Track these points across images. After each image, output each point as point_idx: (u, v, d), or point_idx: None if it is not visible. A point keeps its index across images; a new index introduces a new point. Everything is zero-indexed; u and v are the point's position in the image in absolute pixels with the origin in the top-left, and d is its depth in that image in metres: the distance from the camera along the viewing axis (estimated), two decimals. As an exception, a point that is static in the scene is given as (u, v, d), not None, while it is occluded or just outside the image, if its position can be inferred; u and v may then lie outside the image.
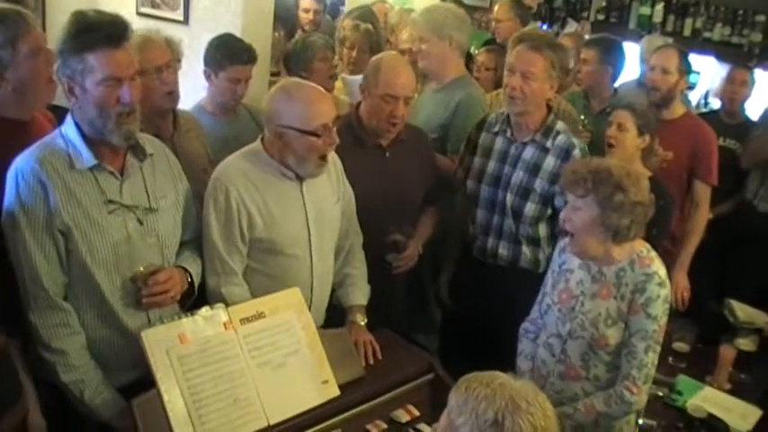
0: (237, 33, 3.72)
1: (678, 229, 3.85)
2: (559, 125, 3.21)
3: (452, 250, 3.60)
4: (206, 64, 3.46)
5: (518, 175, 3.19)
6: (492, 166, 3.27)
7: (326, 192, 2.78)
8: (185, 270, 2.52)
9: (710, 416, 2.95)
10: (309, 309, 2.60)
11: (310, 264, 2.73)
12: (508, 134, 3.24)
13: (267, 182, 2.63)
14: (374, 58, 3.29)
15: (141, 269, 2.36)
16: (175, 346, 2.23)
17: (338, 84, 4.26)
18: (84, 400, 2.31)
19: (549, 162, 3.14)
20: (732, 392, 3.21)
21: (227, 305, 2.41)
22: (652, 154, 3.49)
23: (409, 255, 3.25)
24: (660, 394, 3.07)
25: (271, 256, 2.67)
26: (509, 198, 3.20)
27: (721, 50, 6.02)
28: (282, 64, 4.19)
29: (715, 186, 3.93)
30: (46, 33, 2.63)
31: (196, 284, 2.57)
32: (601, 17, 6.73)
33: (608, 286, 2.55)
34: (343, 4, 6.42)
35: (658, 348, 2.54)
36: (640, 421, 2.78)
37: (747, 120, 4.71)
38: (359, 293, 2.90)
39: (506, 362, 2.76)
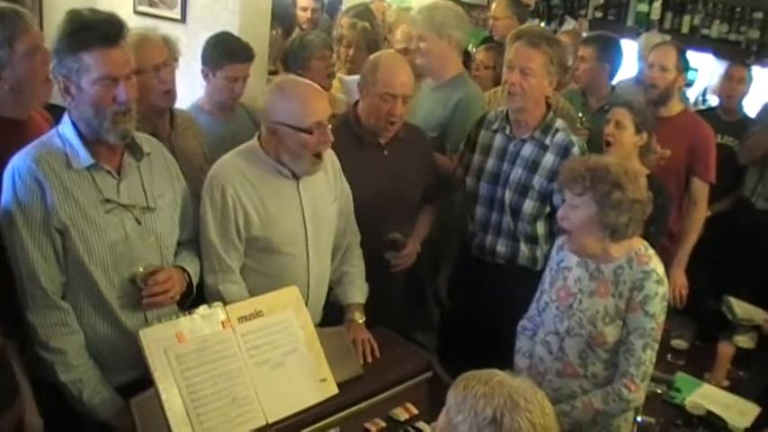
0: (235, 32, 3.72)
1: (676, 226, 3.85)
2: (558, 123, 3.21)
3: (451, 249, 3.60)
4: (203, 63, 3.45)
5: (517, 173, 3.19)
6: (491, 163, 3.27)
7: (323, 190, 2.78)
8: (183, 270, 2.52)
9: (709, 413, 2.96)
10: (306, 307, 2.60)
11: (307, 262, 2.73)
12: (507, 131, 3.24)
13: (264, 180, 2.63)
14: (372, 56, 3.28)
15: (140, 269, 2.35)
16: (173, 345, 2.23)
17: (335, 82, 4.25)
18: (82, 399, 2.31)
19: (548, 159, 3.14)
20: (730, 389, 3.22)
21: (224, 303, 2.41)
22: (650, 152, 3.49)
23: (408, 253, 3.25)
24: (659, 391, 3.08)
25: (267, 254, 2.67)
26: (507, 195, 3.20)
27: (719, 47, 6.03)
28: (281, 62, 4.19)
29: (713, 184, 3.93)
30: (43, 32, 2.63)
31: (194, 284, 2.56)
32: (598, 14, 6.74)
33: (606, 284, 2.55)
34: (341, 2, 6.41)
35: (656, 346, 2.54)
36: (639, 418, 2.78)
37: (745, 117, 4.71)
38: (357, 292, 2.90)
39: (505, 360, 2.76)
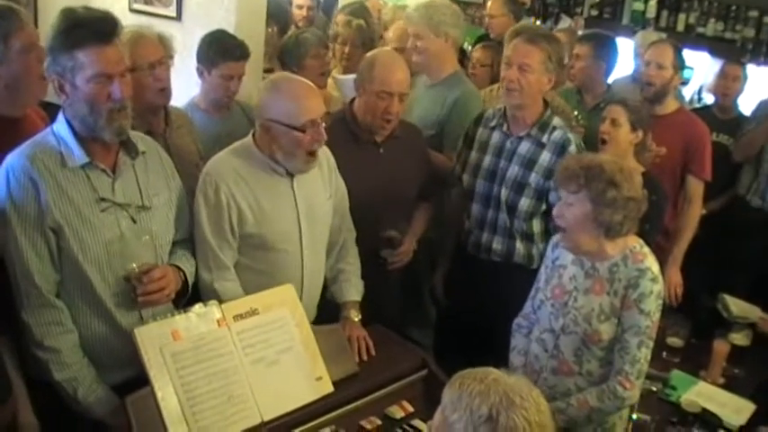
0: (230, 30, 3.71)
1: (671, 224, 3.86)
2: (556, 121, 3.21)
3: (447, 246, 3.60)
4: (199, 60, 3.45)
5: (513, 170, 3.19)
6: (488, 160, 3.28)
7: (318, 187, 2.78)
8: (179, 269, 2.51)
9: (704, 410, 2.96)
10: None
11: (301, 259, 2.73)
12: (504, 128, 3.25)
13: (258, 177, 2.63)
14: (369, 54, 3.28)
15: (135, 267, 2.35)
16: (169, 344, 2.22)
17: (330, 81, 4.25)
18: (77, 398, 2.31)
19: (545, 157, 3.14)
20: (726, 387, 3.22)
21: (220, 301, 2.41)
22: (645, 149, 3.50)
23: (404, 250, 3.26)
24: (654, 389, 3.08)
25: (261, 251, 2.67)
26: (504, 192, 3.20)
27: (714, 46, 6.04)
28: (277, 59, 4.18)
29: (708, 182, 3.94)
30: (38, 30, 2.62)
31: (190, 283, 2.56)
32: (594, 13, 6.75)
33: (601, 282, 2.56)
34: (336, 1, 6.41)
35: (651, 344, 2.54)
36: (634, 416, 2.78)
37: (740, 115, 4.72)
38: (353, 290, 2.90)
39: (500, 357, 2.77)
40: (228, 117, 3.53)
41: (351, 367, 2.58)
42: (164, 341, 2.22)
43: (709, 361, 3.30)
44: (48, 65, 2.24)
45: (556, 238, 2.73)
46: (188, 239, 2.62)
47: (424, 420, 2.46)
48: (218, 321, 2.34)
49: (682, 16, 6.30)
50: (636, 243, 2.57)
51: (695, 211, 3.94)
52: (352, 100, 3.25)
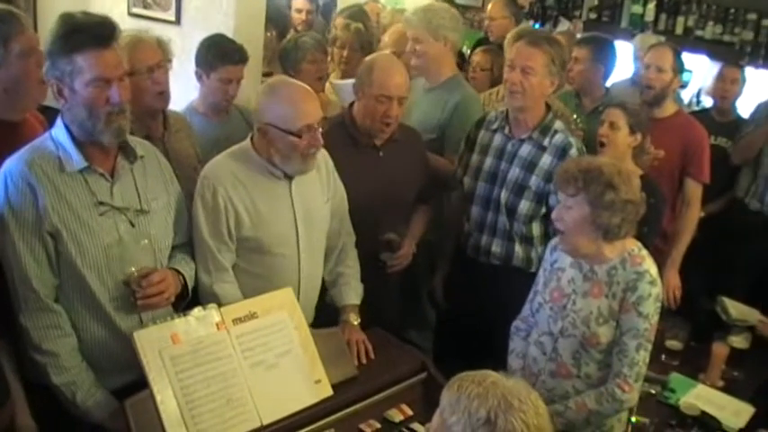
0: (229, 34, 3.73)
1: (670, 227, 3.86)
2: (558, 124, 3.21)
3: (447, 249, 3.60)
4: (197, 64, 3.46)
5: (514, 172, 3.20)
6: (489, 162, 3.28)
7: (316, 191, 2.78)
8: (178, 272, 2.51)
9: (703, 413, 2.96)
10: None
11: (298, 263, 2.73)
12: (506, 131, 3.25)
13: (255, 180, 2.63)
14: (368, 58, 3.29)
15: (134, 272, 2.35)
16: (168, 347, 2.22)
17: (328, 86, 4.26)
18: (76, 401, 2.31)
19: (546, 160, 3.15)
20: (725, 390, 3.22)
21: (219, 303, 2.41)
22: (644, 152, 3.50)
23: (404, 254, 3.26)
24: (653, 392, 3.08)
25: (258, 255, 2.67)
26: (504, 195, 3.21)
27: (713, 49, 6.03)
28: (279, 61, 4.19)
29: (706, 184, 3.94)
30: (37, 34, 2.63)
31: (190, 287, 2.56)
32: (593, 16, 6.74)
33: (599, 285, 2.56)
34: (335, 4, 6.42)
35: (650, 346, 2.54)
36: (633, 419, 2.78)
37: (739, 118, 4.72)
38: (352, 293, 2.90)
39: (499, 360, 2.76)
40: (227, 121, 3.53)
41: (350, 370, 2.58)
42: (163, 344, 2.22)
43: (708, 364, 3.30)
44: (46, 69, 2.24)
45: (554, 241, 2.73)
46: (187, 244, 2.62)
47: (423, 424, 2.46)
48: (217, 325, 2.34)
49: (680, 19, 6.30)
50: (634, 246, 2.57)
51: (694, 214, 3.94)
52: (352, 104, 3.25)
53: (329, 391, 2.46)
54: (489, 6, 5.57)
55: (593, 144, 3.48)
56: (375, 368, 2.66)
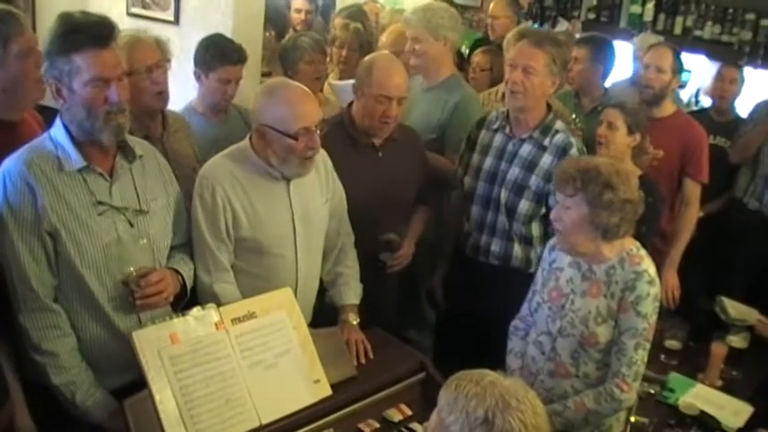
0: (228, 34, 3.72)
1: (668, 227, 3.87)
2: (558, 124, 3.21)
3: (446, 249, 3.60)
4: (196, 64, 3.45)
5: (513, 172, 3.20)
6: (489, 162, 3.28)
7: (314, 191, 2.78)
8: (177, 272, 2.51)
9: (702, 413, 2.96)
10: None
11: (296, 263, 2.73)
12: (507, 131, 3.25)
13: (253, 181, 2.63)
14: (367, 58, 3.29)
15: (133, 271, 2.35)
16: (167, 347, 2.22)
17: (327, 87, 4.26)
18: (75, 402, 2.31)
19: (546, 160, 3.15)
20: (724, 389, 3.22)
21: (219, 303, 2.41)
22: (643, 152, 3.51)
23: (404, 254, 3.26)
24: (652, 392, 3.09)
25: (256, 255, 2.67)
26: (503, 194, 3.21)
27: (712, 49, 6.03)
28: (279, 61, 4.19)
29: (705, 184, 3.94)
30: (36, 34, 2.63)
31: (188, 287, 2.56)
32: (591, 16, 6.73)
33: (598, 284, 2.56)
34: (335, 4, 6.42)
35: (648, 346, 2.54)
36: (632, 419, 2.78)
37: (737, 118, 4.72)
38: (351, 293, 2.90)
39: (497, 360, 2.76)
40: (226, 121, 3.53)
41: (349, 370, 2.58)
42: (162, 344, 2.22)
43: (706, 363, 3.31)
44: (45, 69, 2.24)
45: (553, 240, 2.73)
46: (186, 244, 2.62)
47: (422, 423, 2.46)
48: (216, 324, 2.34)
49: (679, 19, 6.30)
50: (633, 245, 2.58)
51: (692, 214, 3.94)
52: (350, 103, 3.25)
53: (328, 391, 2.46)
54: (491, 5, 5.57)
55: (592, 144, 3.48)
56: (374, 368, 2.66)
